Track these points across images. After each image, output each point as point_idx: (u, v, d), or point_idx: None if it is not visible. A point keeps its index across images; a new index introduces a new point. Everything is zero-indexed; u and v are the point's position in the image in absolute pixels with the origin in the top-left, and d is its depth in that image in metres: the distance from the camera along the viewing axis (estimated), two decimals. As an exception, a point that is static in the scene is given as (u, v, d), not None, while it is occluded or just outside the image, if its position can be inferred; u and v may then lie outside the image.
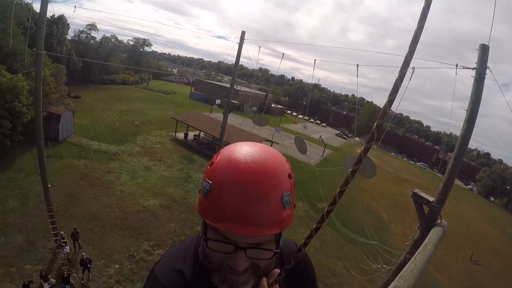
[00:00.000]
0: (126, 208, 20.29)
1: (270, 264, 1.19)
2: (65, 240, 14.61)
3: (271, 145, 38.40)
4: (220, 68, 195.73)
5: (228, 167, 1.07)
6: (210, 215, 1.07)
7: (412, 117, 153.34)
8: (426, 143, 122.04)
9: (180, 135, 39.68)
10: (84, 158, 26.02)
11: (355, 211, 25.50)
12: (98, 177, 23.42)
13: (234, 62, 16.48)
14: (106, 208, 19.65)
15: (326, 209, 1.19)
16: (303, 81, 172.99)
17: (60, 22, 49.25)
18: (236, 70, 16.88)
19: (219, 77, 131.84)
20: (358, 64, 9.63)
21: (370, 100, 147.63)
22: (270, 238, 1.13)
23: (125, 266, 15.09)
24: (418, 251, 3.42)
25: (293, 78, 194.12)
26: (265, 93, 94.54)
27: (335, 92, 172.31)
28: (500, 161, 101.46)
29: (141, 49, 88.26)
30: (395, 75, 1.04)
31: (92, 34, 65.90)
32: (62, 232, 14.75)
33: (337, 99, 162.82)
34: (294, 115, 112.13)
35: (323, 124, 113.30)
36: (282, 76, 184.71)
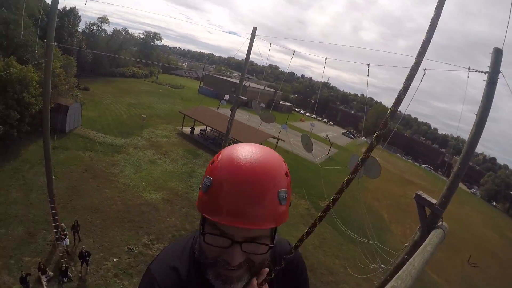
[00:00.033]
0: (128, 201, 20.40)
1: (264, 261, 1.22)
2: (65, 232, 14.69)
3: (277, 142, 38.42)
4: (230, 63, 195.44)
5: (228, 164, 1.11)
6: (209, 210, 1.10)
7: (420, 119, 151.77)
8: (432, 146, 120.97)
9: (187, 130, 39.76)
10: (90, 150, 26.19)
11: (357, 210, 25.39)
12: (103, 170, 23.56)
13: (244, 58, 16.43)
14: (108, 201, 19.77)
15: (319, 214, 1.28)
16: (313, 79, 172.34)
17: (72, 14, 49.45)
18: (246, 66, 16.82)
19: (228, 73, 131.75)
20: (369, 64, 9.53)
21: (379, 101, 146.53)
22: (266, 233, 1.16)
23: (124, 260, 15.16)
24: (417, 252, 3.36)
25: (302, 75, 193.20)
26: (274, 90, 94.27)
27: (345, 91, 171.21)
28: (506, 167, 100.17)
29: (151, 43, 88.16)
30: (406, 75, 1.08)
31: (103, 27, 66.30)
32: (62, 224, 14.84)
33: (346, 98, 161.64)
34: (302, 113, 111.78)
35: (331, 123, 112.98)
36: (292, 74, 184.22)
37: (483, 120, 5.84)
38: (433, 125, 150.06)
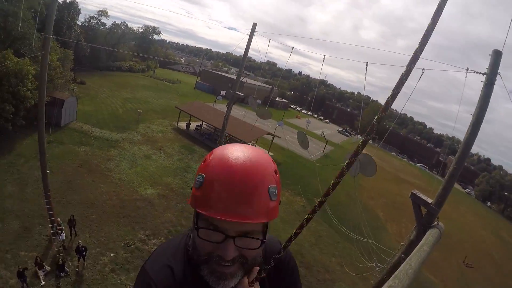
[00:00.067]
0: (123, 196, 20.39)
1: (256, 257, 1.24)
2: (61, 227, 14.71)
3: (273, 139, 38.43)
4: (228, 59, 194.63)
5: (220, 162, 1.15)
6: (202, 205, 1.13)
7: (416, 118, 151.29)
8: (427, 145, 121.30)
9: (182, 125, 39.71)
10: (85, 144, 26.10)
11: (352, 209, 25.50)
12: (98, 164, 23.51)
13: (242, 54, 16.37)
14: (103, 196, 19.75)
15: (306, 216, 1.30)
16: (310, 76, 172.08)
17: (72, 7, 49.06)
18: (244, 62, 16.75)
19: (226, 68, 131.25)
20: (367, 62, 9.53)
21: (375, 99, 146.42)
22: (258, 228, 1.19)
23: (120, 255, 15.19)
24: (413, 252, 3.39)
25: (300, 73, 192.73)
26: (270, 87, 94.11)
27: (341, 89, 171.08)
28: (500, 167, 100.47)
29: (150, 37, 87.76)
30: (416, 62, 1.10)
31: (102, 21, 65.61)
32: (58, 219, 14.86)
33: (343, 96, 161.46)
34: (298, 110, 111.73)
35: (326, 120, 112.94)
36: (289, 71, 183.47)
37: (480, 121, 5.90)
38: (428, 125, 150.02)
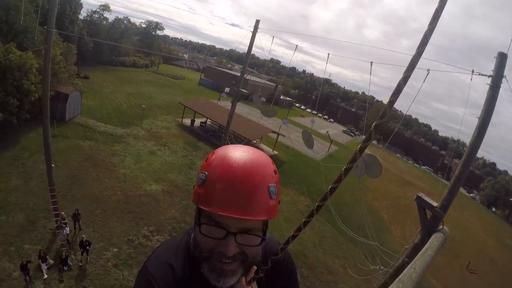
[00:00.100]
0: (128, 191, 20.33)
1: (256, 255, 1.28)
2: (65, 221, 14.65)
3: (277, 137, 38.31)
4: (232, 56, 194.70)
5: (223, 161, 1.19)
6: (205, 202, 1.15)
7: (421, 120, 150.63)
8: (432, 147, 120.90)
9: (187, 121, 39.60)
10: (90, 139, 26.04)
11: (356, 209, 25.38)
12: (102, 159, 23.46)
13: (246, 51, 16.28)
14: (108, 191, 19.69)
15: (304, 220, 1.31)
16: (314, 75, 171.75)
17: (73, 1, 48.91)
18: (247, 59, 16.66)
19: (229, 65, 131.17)
20: (372, 62, 9.41)
21: (380, 99, 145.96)
22: (258, 225, 1.22)
23: (124, 250, 15.13)
24: (418, 255, 3.35)
25: (304, 71, 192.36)
26: (274, 84, 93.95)
27: (346, 88, 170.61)
28: (506, 172, 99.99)
29: (153, 33, 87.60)
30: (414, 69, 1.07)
31: (104, 15, 65.55)
32: (62, 213, 14.79)
33: (347, 96, 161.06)
34: (302, 109, 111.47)
35: (331, 119, 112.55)
36: (293, 69, 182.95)
37: (486, 124, 5.85)
38: (433, 127, 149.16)
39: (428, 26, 1.04)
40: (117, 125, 31.12)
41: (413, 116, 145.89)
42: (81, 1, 51.28)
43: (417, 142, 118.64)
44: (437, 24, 1.06)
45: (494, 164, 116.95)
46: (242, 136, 30.69)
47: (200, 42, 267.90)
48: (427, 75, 6.66)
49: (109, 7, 64.30)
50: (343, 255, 21.94)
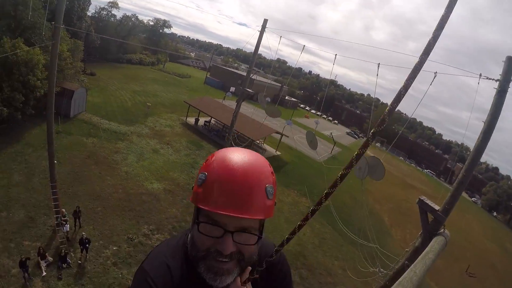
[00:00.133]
0: (129, 190, 20.34)
1: (253, 255, 1.31)
2: (65, 218, 14.67)
3: (281, 137, 38.24)
4: (238, 55, 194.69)
5: (222, 161, 1.23)
6: (204, 201, 1.19)
7: (425, 123, 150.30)
8: (436, 151, 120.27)
9: (191, 120, 39.61)
10: (93, 136, 26.11)
11: (357, 211, 25.27)
12: (105, 157, 23.51)
13: (252, 51, 16.28)
14: (110, 189, 19.72)
15: (298, 223, 1.35)
16: (320, 76, 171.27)
17: (82, -3, 49.12)
18: (254, 58, 16.61)
19: (236, 65, 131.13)
20: (379, 63, 9.34)
21: (385, 102, 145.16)
22: (255, 224, 1.26)
23: (123, 249, 15.13)
24: (418, 259, 3.28)
25: (310, 72, 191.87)
26: (280, 85, 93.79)
27: (351, 90, 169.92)
28: (508, 177, 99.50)
29: (160, 30, 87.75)
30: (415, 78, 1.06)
31: (112, 12, 65.80)
32: (63, 210, 14.82)
33: (352, 98, 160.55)
34: (307, 110, 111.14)
35: (335, 121, 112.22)
36: (300, 69, 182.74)
37: (491, 128, 5.79)
38: (437, 130, 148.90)
39: (432, 34, 1.03)
40: (121, 122, 31.18)
41: (418, 119, 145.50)
42: (89, -2, 51.44)
43: (420, 145, 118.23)
44: (444, 29, 1.05)
45: (497, 168, 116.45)
46: (246, 136, 30.65)
47: (207, 41, 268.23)
48: (434, 78, 6.61)
49: (117, 4, 64.52)
50: (342, 257, 21.85)
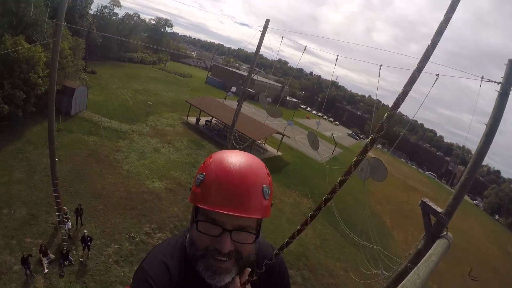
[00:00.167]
0: (131, 188, 20.28)
1: (250, 255, 1.33)
2: (67, 215, 14.63)
3: (282, 138, 38.19)
4: (239, 55, 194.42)
5: (220, 163, 1.26)
6: (202, 200, 1.21)
7: (426, 125, 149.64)
8: (437, 153, 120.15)
9: (192, 119, 39.54)
10: (94, 134, 26.04)
11: (359, 213, 25.19)
12: (106, 155, 23.44)
13: (254, 51, 16.26)
14: (111, 187, 19.65)
15: (298, 228, 1.29)
16: (321, 77, 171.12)
17: (84, -5, 49.06)
18: (256, 59, 16.61)
19: (237, 65, 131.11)
20: (381, 65, 9.28)
21: (386, 104, 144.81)
22: (253, 224, 1.28)
23: (125, 247, 15.07)
24: (421, 261, 3.32)
25: (311, 73, 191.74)
26: (281, 85, 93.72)
27: (352, 91, 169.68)
28: (510, 180, 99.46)
29: (162, 30, 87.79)
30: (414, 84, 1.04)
31: (114, 10, 65.86)
32: (65, 208, 14.79)
33: (353, 99, 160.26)
34: (308, 110, 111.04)
35: (336, 122, 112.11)
36: (301, 70, 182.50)
37: (493, 131, 5.81)
38: (438, 133, 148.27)
39: (431, 40, 0.99)
40: (122, 121, 31.11)
41: (419, 121, 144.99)
42: (91, -4, 51.40)
43: (422, 148, 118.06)
44: (445, 32, 0.99)
45: (498, 171, 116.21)
46: (247, 136, 30.58)
47: (208, 41, 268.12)
48: (436, 80, 6.61)
49: (119, 3, 64.59)
50: (344, 258, 21.77)
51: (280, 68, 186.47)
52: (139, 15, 78.16)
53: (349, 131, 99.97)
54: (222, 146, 28.84)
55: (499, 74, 5.81)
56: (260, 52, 16.00)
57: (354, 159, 1.17)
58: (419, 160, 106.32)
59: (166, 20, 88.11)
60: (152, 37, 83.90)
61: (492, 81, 5.97)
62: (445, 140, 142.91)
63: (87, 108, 30.88)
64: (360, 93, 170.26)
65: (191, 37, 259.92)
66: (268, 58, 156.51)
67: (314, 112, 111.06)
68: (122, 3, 65.03)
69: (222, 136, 35.79)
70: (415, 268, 3.00)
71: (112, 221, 16.59)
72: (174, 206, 19.99)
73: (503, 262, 37.70)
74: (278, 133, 37.70)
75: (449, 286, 24.23)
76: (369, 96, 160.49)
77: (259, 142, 37.74)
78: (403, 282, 2.58)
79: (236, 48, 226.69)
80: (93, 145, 24.23)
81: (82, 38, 37.52)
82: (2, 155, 19.18)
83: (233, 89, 61.00)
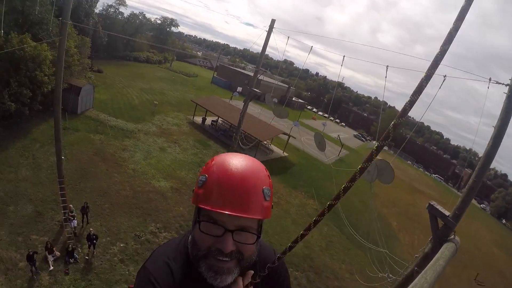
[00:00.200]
0: (137, 187, 20.24)
1: (252, 255, 1.33)
2: (73, 213, 14.61)
3: (288, 139, 38.06)
4: (245, 55, 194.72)
5: (222, 165, 1.27)
6: (205, 201, 1.22)
7: (433, 127, 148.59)
8: (444, 156, 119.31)
9: (198, 119, 39.50)
10: (100, 133, 26.06)
11: (365, 215, 25.00)
12: (112, 154, 23.43)
13: (259, 51, 16.20)
14: (117, 186, 19.62)
15: (301, 232, 1.34)
16: (327, 78, 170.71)
17: (90, -6, 49.24)
18: (261, 59, 16.50)
19: (243, 65, 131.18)
20: (388, 66, 9.14)
21: (393, 105, 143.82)
22: (254, 224, 1.29)
23: (130, 246, 15.02)
24: (428, 265, 3.26)
25: (317, 73, 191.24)
26: (287, 86, 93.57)
27: (358, 92, 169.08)
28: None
29: (167, 29, 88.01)
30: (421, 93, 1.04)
31: (120, 10, 66.13)
32: (71, 206, 14.76)
33: (359, 100, 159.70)
34: (314, 111, 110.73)
35: (342, 123, 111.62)
36: (307, 71, 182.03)
37: (501, 134, 5.73)
38: (445, 135, 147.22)
39: (440, 48, 0.97)
40: (128, 120, 31.12)
41: (425, 124, 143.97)
42: (97, -5, 51.58)
43: (428, 150, 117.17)
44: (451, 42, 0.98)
45: (505, 175, 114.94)
46: (253, 136, 30.45)
47: (214, 41, 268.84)
48: (443, 81, 6.55)
49: (124, 1, 64.84)
50: (350, 261, 21.56)
51: (286, 68, 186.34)
52: (144, 14, 78.63)
53: (356, 133, 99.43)
54: (228, 146, 28.79)
55: (505, 76, 5.74)
56: (266, 52, 15.92)
57: (359, 166, 1.19)
58: (425, 162, 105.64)
59: (172, 20, 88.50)
60: (157, 36, 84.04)
61: (500, 83, 5.91)
62: (452, 142, 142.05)
63: (93, 107, 30.93)
64: (366, 95, 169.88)
65: (196, 36, 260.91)
66: (274, 59, 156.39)
67: (320, 113, 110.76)
68: (127, 2, 65.18)
69: (228, 136, 35.73)
70: (423, 272, 2.99)
71: (118, 219, 16.55)
72: (179, 206, 19.94)
73: (510, 267, 37.13)
74: (284, 133, 37.59)
75: (456, 290, 23.92)
76: (375, 98, 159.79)
77: (265, 142, 37.61)
78: (411, 286, 2.60)
79: (242, 48, 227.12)
80: (99, 144, 24.23)
81: (88, 37, 37.65)
82: (9, 152, 19.22)
83: (239, 89, 60.98)
